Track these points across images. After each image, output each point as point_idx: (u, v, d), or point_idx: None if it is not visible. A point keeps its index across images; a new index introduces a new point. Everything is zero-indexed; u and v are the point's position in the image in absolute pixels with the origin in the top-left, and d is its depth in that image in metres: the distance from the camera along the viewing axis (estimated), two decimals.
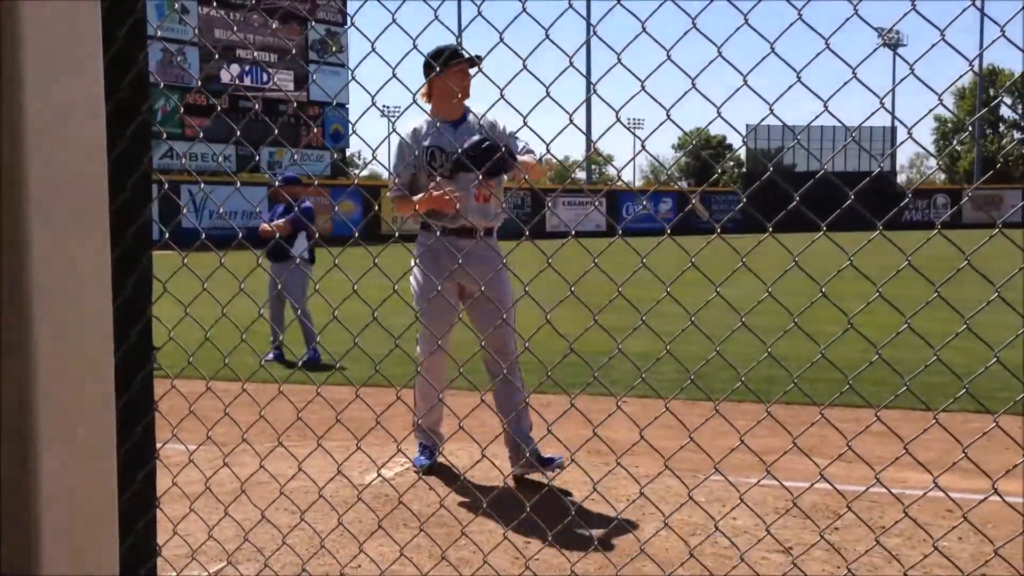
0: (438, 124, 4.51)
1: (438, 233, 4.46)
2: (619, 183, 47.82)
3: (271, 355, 8.59)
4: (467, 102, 4.68)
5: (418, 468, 4.82)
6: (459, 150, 4.31)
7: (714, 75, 2.31)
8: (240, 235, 2.43)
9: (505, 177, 4.69)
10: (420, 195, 4.49)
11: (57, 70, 1.14)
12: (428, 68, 4.37)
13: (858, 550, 3.49)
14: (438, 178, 4.47)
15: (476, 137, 4.34)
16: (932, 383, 6.51)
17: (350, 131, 42.83)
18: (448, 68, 4.36)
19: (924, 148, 1.75)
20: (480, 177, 4.06)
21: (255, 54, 41.30)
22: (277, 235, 8.05)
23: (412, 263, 4.62)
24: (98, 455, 1.18)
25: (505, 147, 4.25)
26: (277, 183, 9.16)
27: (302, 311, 8.60)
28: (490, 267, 4.35)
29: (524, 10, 2.03)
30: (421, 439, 4.94)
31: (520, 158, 4.36)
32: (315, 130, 38.20)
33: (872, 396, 5.75)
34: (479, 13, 2.14)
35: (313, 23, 42.89)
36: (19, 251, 1.09)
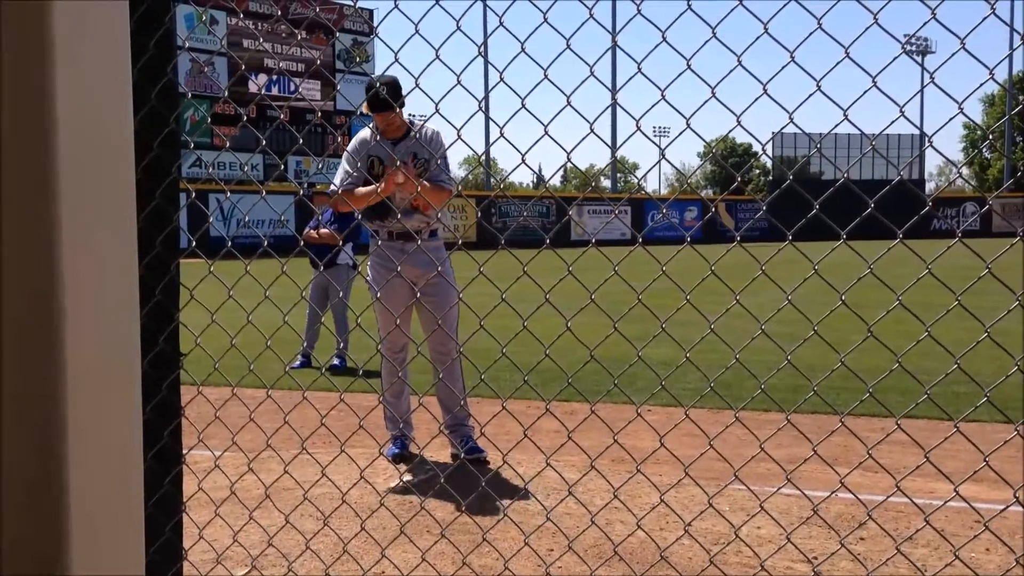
0: (377, 139, 5.03)
1: (385, 238, 5.08)
2: (639, 192, 47.72)
3: (297, 363, 8.64)
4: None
5: (389, 458, 5.12)
6: (396, 163, 4.92)
7: (742, 84, 2.32)
8: (264, 243, 2.46)
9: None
10: (371, 187, 4.93)
11: (87, 79, 1.16)
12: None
13: (884, 560, 3.46)
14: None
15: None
16: (960, 392, 6.44)
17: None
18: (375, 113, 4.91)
19: (944, 156, 1.74)
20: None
21: (282, 64, 41.64)
22: (302, 243, 8.08)
23: (367, 271, 5.22)
24: (125, 458, 1.21)
25: (424, 166, 4.95)
26: (329, 191, 9.30)
27: (343, 315, 8.70)
28: (433, 268, 4.78)
29: (545, 20, 2.04)
30: (390, 430, 5.23)
31: (424, 182, 4.89)
32: (340, 139, 38.43)
33: (899, 406, 5.71)
34: (501, 23, 2.16)
35: (338, 34, 43.20)
36: (49, 257, 1.11)
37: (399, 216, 4.90)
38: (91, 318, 1.16)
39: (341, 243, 8.27)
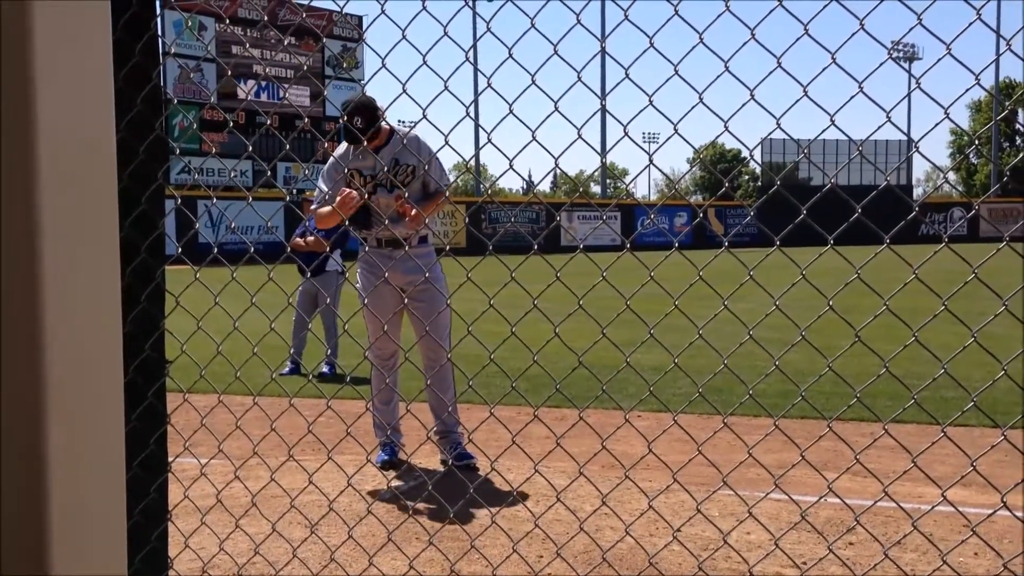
0: (359, 150, 4.93)
1: (374, 245, 5.04)
2: (626, 198, 47.81)
3: (287, 369, 8.61)
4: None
5: (378, 465, 5.10)
6: (375, 173, 4.91)
7: (732, 90, 2.32)
8: (251, 249, 2.45)
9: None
10: (326, 208, 4.89)
11: (68, 83, 1.15)
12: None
13: (873, 565, 3.46)
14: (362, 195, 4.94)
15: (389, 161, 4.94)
16: (948, 397, 6.46)
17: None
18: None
19: (931, 161, 1.75)
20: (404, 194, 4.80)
21: (271, 70, 41.56)
22: (289, 250, 7.98)
23: (356, 277, 5.17)
24: (107, 464, 1.20)
25: (410, 173, 4.91)
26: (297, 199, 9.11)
27: (333, 322, 8.66)
28: (420, 273, 4.77)
29: (532, 25, 2.04)
30: (379, 437, 5.23)
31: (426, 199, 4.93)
32: (327, 145, 38.30)
33: (888, 410, 5.72)
34: (488, 29, 2.15)
35: (325, 40, 43.14)
36: (30, 263, 1.10)
37: (387, 223, 4.86)
38: (72, 325, 1.15)
39: (329, 250, 8.21)
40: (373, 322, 4.90)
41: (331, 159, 5.14)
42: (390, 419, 5.15)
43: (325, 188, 5.01)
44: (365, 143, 4.86)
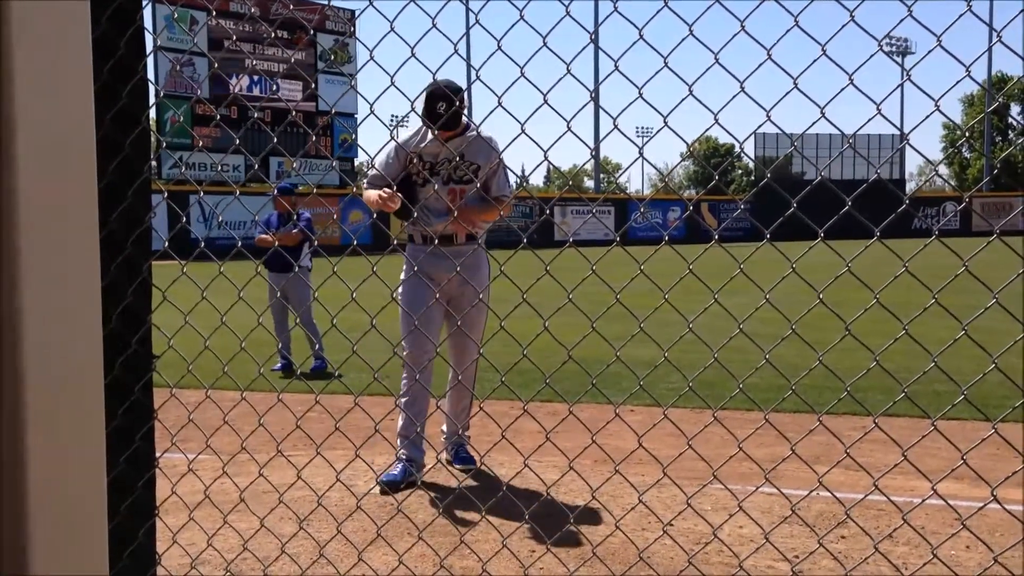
0: (432, 134, 4.62)
1: (418, 241, 4.80)
2: (616, 192, 47.80)
3: (278, 365, 8.57)
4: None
5: (382, 480, 4.56)
6: (436, 162, 4.69)
7: (726, 84, 2.31)
8: (238, 244, 2.43)
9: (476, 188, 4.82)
10: (375, 193, 4.52)
11: (46, 79, 1.14)
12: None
13: (865, 559, 3.46)
14: (418, 181, 4.75)
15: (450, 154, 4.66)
16: (940, 391, 6.47)
17: (353, 139, 42.93)
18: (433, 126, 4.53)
19: (922, 155, 1.73)
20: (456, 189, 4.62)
21: (264, 64, 41.43)
22: (276, 244, 7.88)
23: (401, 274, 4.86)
24: (87, 459, 1.18)
25: (470, 172, 4.67)
26: (272, 194, 9.02)
27: (309, 320, 8.57)
28: (467, 272, 4.53)
29: (521, 17, 2.02)
30: (403, 448, 4.77)
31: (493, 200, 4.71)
32: (314, 138, 38.16)
33: (881, 404, 5.72)
34: (477, 21, 2.14)
35: (315, 34, 43.00)
36: (8, 258, 1.08)
37: (431, 220, 4.64)
38: (51, 320, 1.13)
39: (313, 243, 8.10)
40: (408, 322, 4.53)
41: (402, 135, 4.81)
42: (412, 430, 4.69)
43: (379, 170, 4.70)
44: (430, 133, 4.62)
